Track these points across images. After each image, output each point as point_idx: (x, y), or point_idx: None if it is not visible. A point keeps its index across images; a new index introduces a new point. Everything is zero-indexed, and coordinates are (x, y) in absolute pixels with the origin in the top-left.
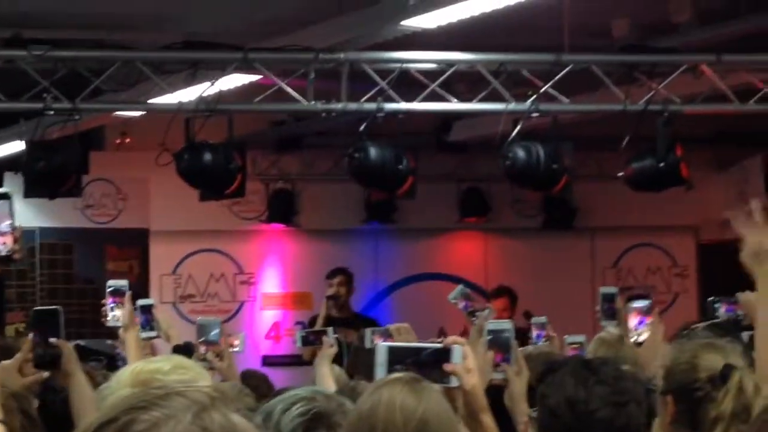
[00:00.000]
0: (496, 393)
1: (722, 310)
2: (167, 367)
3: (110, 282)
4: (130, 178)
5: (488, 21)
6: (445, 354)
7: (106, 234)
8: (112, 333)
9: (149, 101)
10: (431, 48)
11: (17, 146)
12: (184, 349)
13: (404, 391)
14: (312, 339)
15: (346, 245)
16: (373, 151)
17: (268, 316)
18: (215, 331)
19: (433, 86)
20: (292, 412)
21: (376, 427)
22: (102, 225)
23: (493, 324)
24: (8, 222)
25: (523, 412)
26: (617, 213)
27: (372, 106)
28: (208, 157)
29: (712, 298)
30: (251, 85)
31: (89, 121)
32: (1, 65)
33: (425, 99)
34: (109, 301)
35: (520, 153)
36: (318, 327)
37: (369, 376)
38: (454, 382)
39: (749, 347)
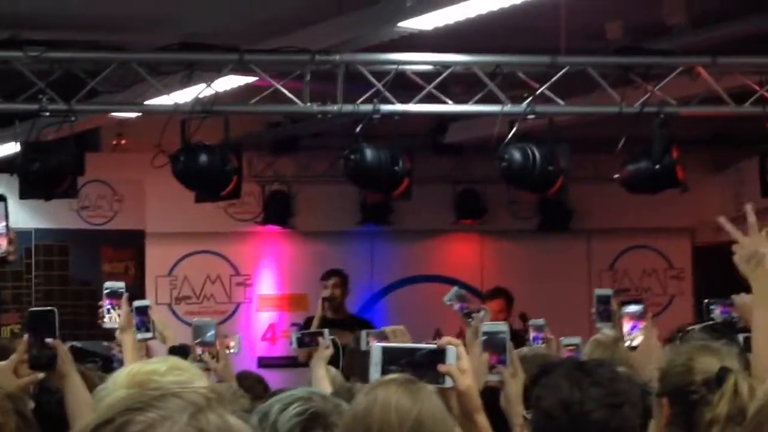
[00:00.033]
0: (491, 395)
1: (717, 312)
2: (163, 368)
3: (107, 284)
4: (125, 179)
5: (484, 23)
6: (439, 355)
7: (101, 235)
8: (108, 334)
9: (145, 102)
10: (427, 50)
11: (12, 148)
12: (180, 351)
13: (399, 391)
14: (308, 340)
15: (341, 247)
16: (369, 153)
17: (264, 317)
18: (211, 333)
19: (429, 88)
20: (289, 411)
21: (372, 428)
22: (98, 226)
23: (488, 325)
24: (2, 224)
25: (518, 414)
26: (613, 215)
27: (368, 107)
28: (203, 158)
29: (707, 300)
30: (247, 86)
31: (85, 122)
32: None
33: (421, 101)
34: (106, 303)
35: (516, 155)
36: (313, 329)
37: (364, 378)
38: (448, 383)
39: (745, 349)
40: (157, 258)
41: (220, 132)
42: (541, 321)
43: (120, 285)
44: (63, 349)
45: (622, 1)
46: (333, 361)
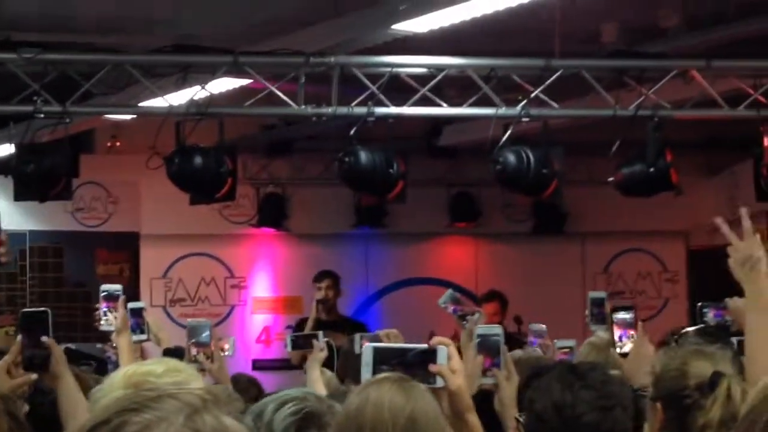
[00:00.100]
0: (485, 398)
1: (710, 316)
2: (160, 369)
3: (104, 286)
4: (120, 181)
5: (479, 26)
6: (430, 355)
7: (96, 237)
8: (102, 337)
9: (139, 104)
10: (422, 52)
11: (7, 149)
12: (175, 353)
13: (392, 389)
14: (302, 343)
15: (336, 249)
16: (363, 156)
17: (259, 320)
18: (206, 333)
19: (423, 91)
20: (284, 411)
21: (365, 426)
22: (92, 228)
23: (482, 328)
24: None
25: (512, 416)
26: (607, 218)
27: (362, 110)
28: (198, 160)
29: (700, 303)
30: (242, 88)
31: (79, 124)
32: None
33: (415, 103)
34: (102, 306)
35: (511, 158)
36: (307, 331)
37: (358, 380)
38: (439, 383)
39: (739, 353)
40: (151, 260)
41: (215, 134)
42: (541, 326)
43: (117, 288)
44: (57, 349)
45: (616, 4)
46: (327, 363)
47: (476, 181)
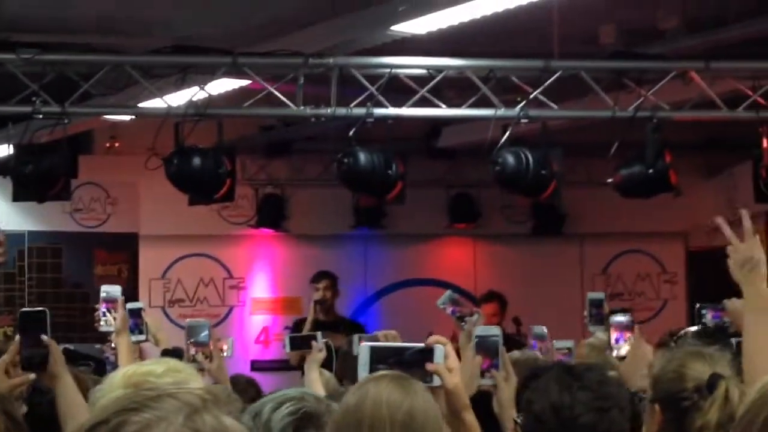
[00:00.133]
0: (484, 399)
1: (709, 317)
2: (160, 370)
3: (104, 288)
4: (119, 182)
5: (477, 27)
6: (427, 354)
7: (95, 238)
8: (101, 337)
9: (138, 105)
10: (421, 53)
11: (6, 150)
12: (173, 354)
13: (391, 386)
14: (300, 343)
15: (335, 250)
16: (362, 157)
17: (257, 320)
18: (204, 333)
19: (422, 92)
20: (281, 411)
21: (363, 422)
22: (91, 229)
23: (481, 329)
24: None
25: (511, 418)
26: (606, 219)
27: (361, 111)
28: (197, 161)
29: (698, 305)
30: (241, 89)
31: (78, 124)
32: None
33: (414, 105)
34: (101, 307)
35: (510, 159)
36: (305, 332)
37: (356, 381)
38: (436, 382)
39: (738, 354)
40: (150, 261)
41: (214, 135)
42: (543, 329)
43: (116, 289)
44: (56, 348)
45: (615, 5)
46: (326, 364)
47: (475, 182)
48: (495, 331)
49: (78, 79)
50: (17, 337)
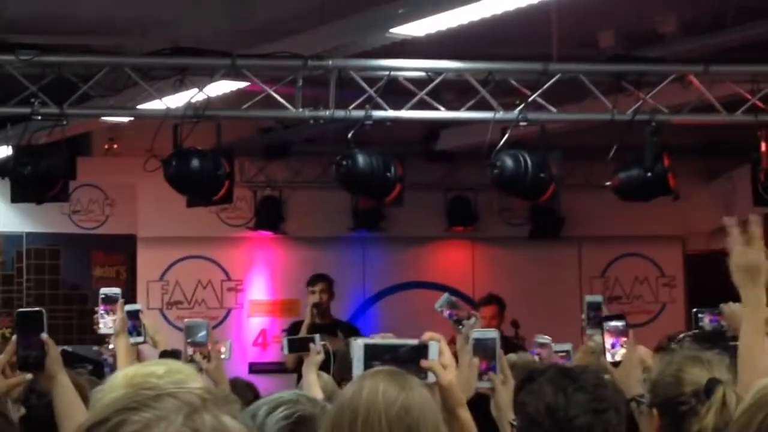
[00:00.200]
0: (482, 402)
1: (706, 321)
2: (161, 371)
3: (103, 290)
4: (117, 183)
5: (476, 30)
6: (421, 350)
7: (93, 240)
8: (99, 339)
9: (137, 107)
10: (419, 56)
11: (4, 151)
12: (172, 356)
13: (387, 380)
14: (298, 345)
15: (333, 253)
16: (360, 159)
17: (255, 323)
18: (202, 333)
19: (421, 94)
20: (276, 414)
21: (358, 413)
22: (89, 230)
23: (478, 332)
24: None
25: (509, 421)
26: (605, 222)
27: (360, 113)
28: (195, 163)
29: (695, 309)
30: (239, 91)
31: (77, 126)
32: None
33: (413, 107)
34: (101, 309)
35: (508, 162)
36: (302, 334)
37: None
38: (430, 378)
39: (735, 358)
40: (148, 263)
41: (212, 137)
42: (546, 339)
43: (116, 291)
44: (53, 348)
45: (614, 8)
46: (323, 367)
47: (474, 185)
48: (492, 333)
49: (77, 80)
50: (14, 337)
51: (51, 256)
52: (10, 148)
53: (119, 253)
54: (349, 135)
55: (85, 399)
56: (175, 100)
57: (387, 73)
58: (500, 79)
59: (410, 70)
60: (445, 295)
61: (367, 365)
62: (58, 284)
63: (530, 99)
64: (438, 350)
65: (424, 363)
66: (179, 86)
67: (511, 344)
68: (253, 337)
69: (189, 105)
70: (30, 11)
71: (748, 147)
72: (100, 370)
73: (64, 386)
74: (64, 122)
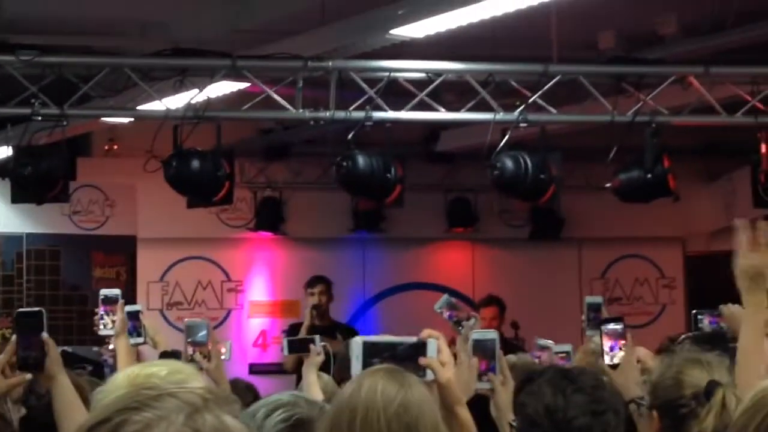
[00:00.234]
0: (481, 402)
1: (706, 323)
2: (164, 371)
3: (103, 291)
4: (117, 184)
5: (476, 31)
6: (420, 348)
7: (93, 240)
8: (99, 340)
9: (137, 108)
10: (419, 57)
11: (5, 152)
12: (172, 357)
13: (386, 378)
14: (299, 346)
15: (333, 254)
16: (361, 160)
17: (255, 324)
18: (203, 333)
19: (421, 96)
20: (273, 418)
21: (357, 411)
22: (89, 231)
23: (478, 333)
24: None
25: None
26: (605, 224)
27: (360, 114)
28: (196, 164)
29: (695, 310)
30: (239, 92)
31: (77, 127)
32: None
33: (413, 108)
34: (101, 310)
35: (508, 163)
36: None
37: None
38: (429, 376)
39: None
40: (148, 263)
41: (212, 138)
42: (548, 342)
43: (116, 292)
44: (53, 348)
45: (614, 10)
46: (324, 368)
47: (474, 186)
48: (492, 334)
49: (77, 81)
50: (13, 337)
51: (51, 257)
52: (11, 148)
53: (119, 253)
54: (350, 136)
55: (85, 400)
56: (176, 101)
57: (387, 74)
58: (500, 81)
59: (410, 71)
60: (445, 297)
61: (366, 363)
62: (58, 285)
63: (530, 100)
64: (437, 348)
65: (422, 360)
66: (179, 87)
67: (510, 345)
68: (253, 338)
69: (189, 106)
70: (30, 12)
71: (748, 148)
72: (100, 370)
73: (63, 387)
74: (65, 123)
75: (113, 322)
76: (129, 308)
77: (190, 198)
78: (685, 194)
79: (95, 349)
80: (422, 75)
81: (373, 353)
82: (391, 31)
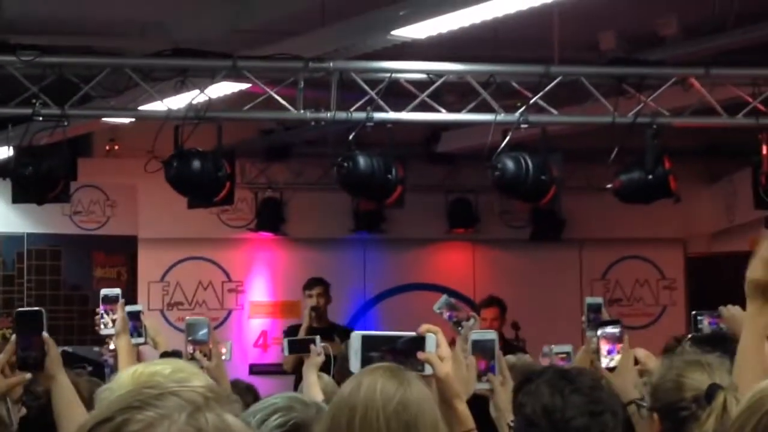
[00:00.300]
0: (480, 402)
1: (705, 324)
2: (167, 370)
3: (103, 290)
4: (118, 184)
5: (478, 32)
6: (419, 342)
7: (94, 240)
8: (99, 340)
9: (138, 108)
10: (421, 58)
11: (5, 152)
12: (172, 357)
13: (385, 376)
14: (299, 347)
15: (334, 254)
16: (361, 161)
17: (256, 324)
18: (203, 331)
19: (422, 96)
20: (270, 423)
21: (356, 409)
22: (90, 231)
23: (477, 334)
24: None
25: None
26: (605, 225)
27: (361, 115)
28: (196, 164)
29: (694, 311)
30: (240, 93)
31: (78, 127)
32: None
33: (414, 109)
34: (101, 309)
35: (509, 164)
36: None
37: None
38: (428, 370)
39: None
40: (149, 264)
41: (213, 138)
42: (550, 348)
43: (116, 291)
44: (53, 348)
45: (615, 11)
46: (324, 369)
47: (474, 187)
48: (491, 335)
49: (78, 81)
50: (13, 337)
51: (52, 257)
52: (12, 148)
53: (120, 254)
54: (350, 137)
55: (84, 399)
56: (176, 102)
57: (388, 75)
58: (501, 82)
59: (411, 72)
60: (444, 297)
61: (365, 357)
62: (59, 285)
63: (531, 101)
64: (435, 342)
65: (421, 355)
66: (180, 87)
67: (511, 346)
68: (253, 339)
69: (190, 106)
70: (30, 12)
71: (749, 150)
72: (100, 370)
73: (63, 386)
74: (65, 123)
75: (114, 321)
76: (130, 308)
77: (191, 198)
78: (685, 195)
79: (95, 349)
80: (423, 76)
81: (371, 347)
82: (393, 32)
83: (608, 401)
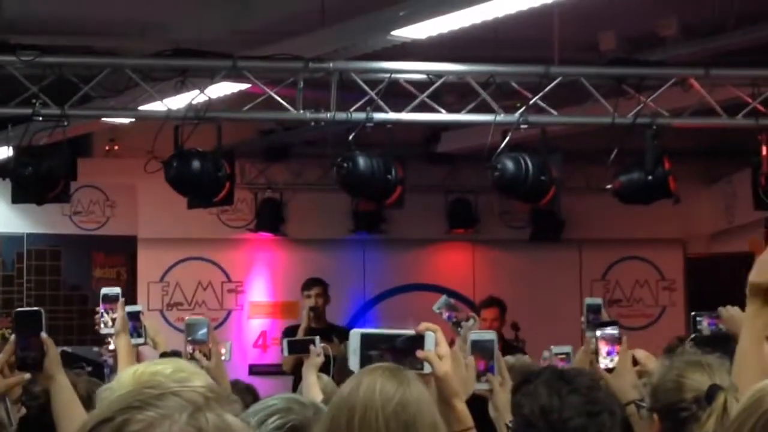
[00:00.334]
0: (479, 403)
1: (705, 324)
2: (168, 370)
3: (103, 290)
4: (118, 184)
5: (477, 33)
6: (418, 341)
7: (93, 241)
8: (99, 340)
9: (138, 108)
10: (420, 59)
11: (5, 152)
12: (172, 357)
13: (385, 376)
14: (299, 347)
15: (333, 255)
16: (361, 161)
17: (256, 324)
18: (203, 331)
19: (422, 97)
20: (267, 425)
21: (355, 409)
22: (90, 232)
23: (476, 334)
24: None
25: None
26: (605, 225)
27: (361, 115)
28: (196, 164)
29: (693, 312)
30: (240, 93)
31: (78, 127)
32: None
33: (414, 109)
34: (101, 308)
35: (509, 164)
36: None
37: None
38: (427, 369)
39: None
40: (149, 264)
41: (213, 138)
42: (550, 351)
43: (116, 290)
44: (53, 348)
45: (615, 12)
46: (323, 370)
47: (474, 187)
48: (490, 335)
49: (78, 81)
50: (12, 337)
51: (52, 257)
52: (11, 149)
53: (120, 254)
54: (350, 137)
55: (83, 400)
56: (176, 102)
57: (388, 75)
58: (501, 82)
59: (411, 72)
60: (443, 297)
61: (364, 355)
62: (59, 285)
63: (531, 102)
64: (434, 340)
65: (420, 353)
66: (180, 88)
67: (510, 347)
68: (253, 339)
69: (190, 106)
70: (31, 12)
71: (748, 150)
72: (100, 371)
73: (62, 386)
74: (65, 123)
75: (113, 320)
76: (129, 309)
77: (191, 198)
78: (685, 196)
79: (95, 349)
80: (423, 76)
81: (370, 345)
82: (393, 33)
83: (606, 401)
